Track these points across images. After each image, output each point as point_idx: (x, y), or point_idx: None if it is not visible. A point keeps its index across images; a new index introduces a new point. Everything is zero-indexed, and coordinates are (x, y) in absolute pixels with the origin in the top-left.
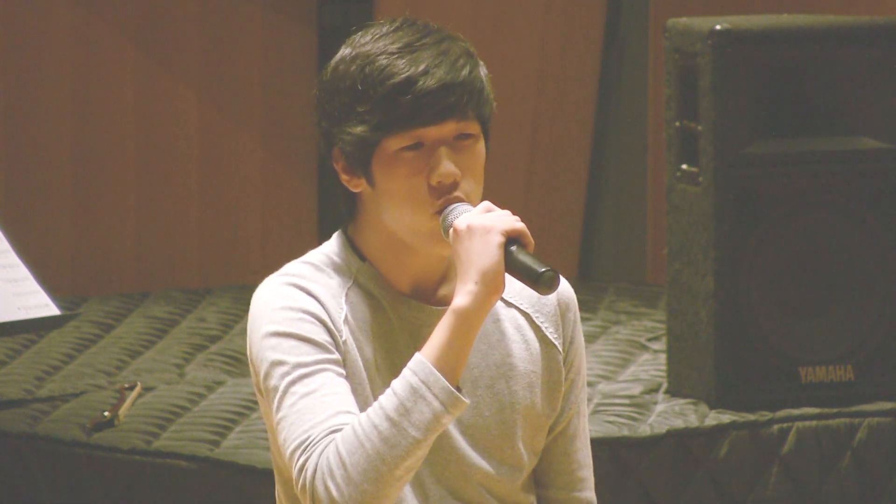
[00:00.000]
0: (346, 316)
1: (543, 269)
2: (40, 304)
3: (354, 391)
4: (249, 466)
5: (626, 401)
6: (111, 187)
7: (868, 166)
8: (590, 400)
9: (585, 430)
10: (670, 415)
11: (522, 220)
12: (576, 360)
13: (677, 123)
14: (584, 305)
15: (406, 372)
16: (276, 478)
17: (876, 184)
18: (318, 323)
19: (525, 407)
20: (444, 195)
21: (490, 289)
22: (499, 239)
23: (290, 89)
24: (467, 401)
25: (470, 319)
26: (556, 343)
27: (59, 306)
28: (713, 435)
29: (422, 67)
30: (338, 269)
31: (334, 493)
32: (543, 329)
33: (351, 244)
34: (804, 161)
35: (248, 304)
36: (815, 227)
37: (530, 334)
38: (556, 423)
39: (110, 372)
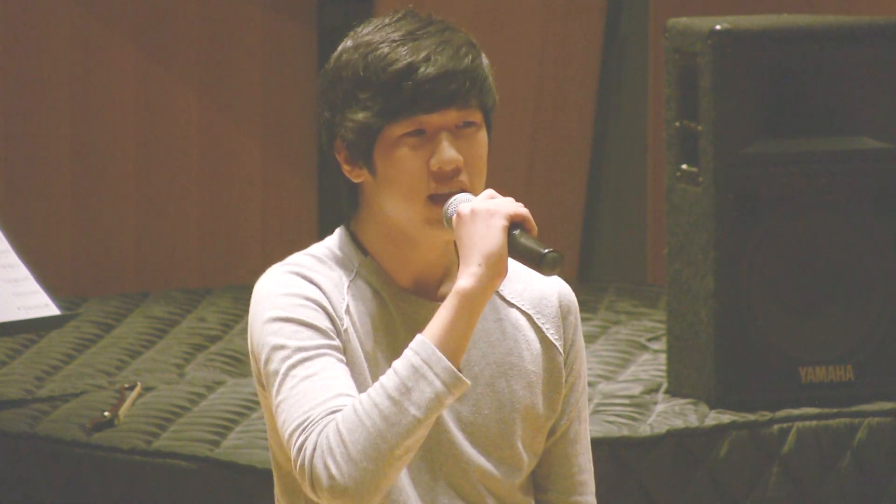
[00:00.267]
0: (347, 306)
1: (547, 250)
2: (40, 304)
3: (354, 381)
4: (249, 466)
5: (626, 401)
6: (111, 187)
7: (868, 166)
8: (590, 400)
9: (586, 435)
10: (670, 415)
11: None
12: (576, 364)
13: (677, 123)
14: (584, 305)
15: (408, 352)
16: (275, 473)
17: (876, 184)
18: (319, 310)
19: (525, 407)
20: (445, 182)
21: (493, 272)
22: (502, 222)
23: (290, 89)
24: (468, 381)
25: (473, 301)
26: (556, 344)
27: (59, 306)
28: (713, 435)
29: (423, 55)
30: (340, 263)
31: (333, 470)
32: (544, 330)
33: (353, 239)
34: (804, 161)
35: (248, 304)
36: (815, 227)
37: (531, 335)
38: (557, 426)
39: (110, 372)
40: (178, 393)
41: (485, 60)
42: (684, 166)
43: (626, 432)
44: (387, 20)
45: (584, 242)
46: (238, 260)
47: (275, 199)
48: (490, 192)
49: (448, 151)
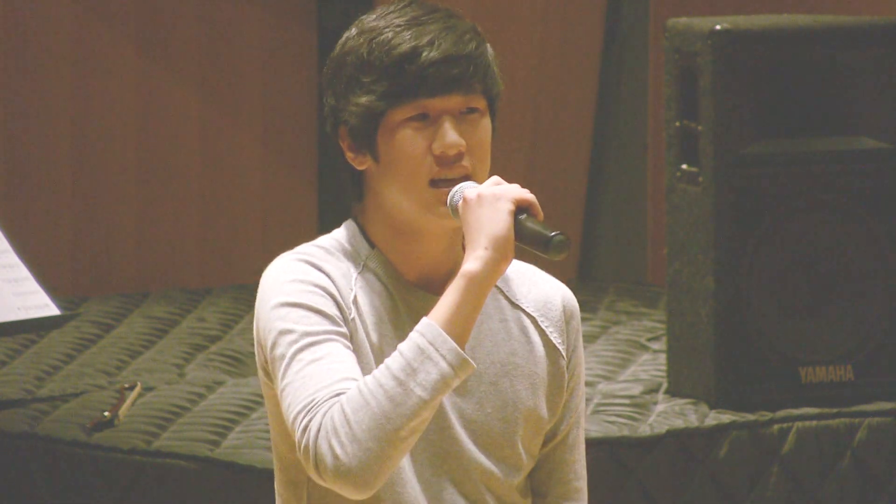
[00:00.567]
0: (355, 297)
1: (553, 234)
2: (40, 304)
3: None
4: (249, 466)
5: (626, 401)
6: (111, 188)
7: (868, 166)
8: (590, 400)
9: (583, 442)
10: (670, 415)
11: None
12: (577, 369)
13: (677, 123)
14: (584, 305)
15: (413, 334)
16: (276, 465)
17: (876, 184)
18: (327, 297)
19: (527, 408)
20: (448, 166)
21: (500, 255)
22: (509, 206)
23: (290, 89)
24: (474, 364)
25: (479, 284)
26: (560, 348)
27: (59, 306)
28: (713, 435)
29: (427, 39)
30: (348, 255)
31: (338, 450)
32: (548, 333)
33: (361, 231)
34: (804, 161)
35: (248, 304)
36: (815, 227)
37: (535, 337)
38: (557, 430)
39: (110, 372)
40: (178, 393)
41: (489, 49)
42: (684, 166)
43: (626, 432)
44: (392, 8)
45: (584, 242)
46: (238, 260)
47: (275, 199)
48: (496, 178)
49: (451, 135)
